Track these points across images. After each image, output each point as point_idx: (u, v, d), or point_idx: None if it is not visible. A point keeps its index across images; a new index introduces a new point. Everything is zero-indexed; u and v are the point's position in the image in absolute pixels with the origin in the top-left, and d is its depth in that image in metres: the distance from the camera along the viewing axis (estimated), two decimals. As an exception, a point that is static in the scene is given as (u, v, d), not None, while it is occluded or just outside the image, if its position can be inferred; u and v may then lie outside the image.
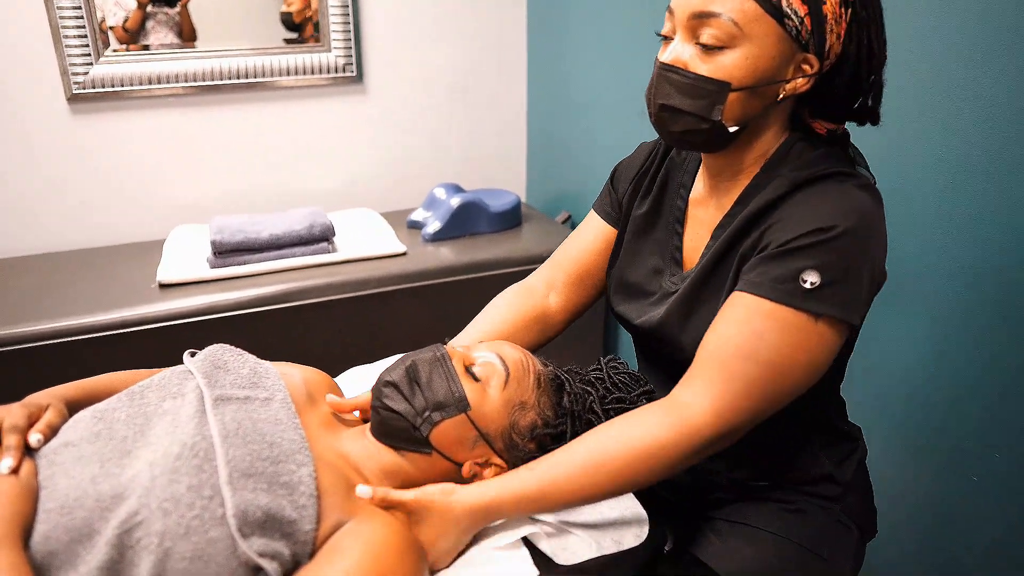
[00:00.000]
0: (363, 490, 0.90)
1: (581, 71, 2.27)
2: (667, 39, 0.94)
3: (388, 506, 0.91)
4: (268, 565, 0.76)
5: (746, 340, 0.88)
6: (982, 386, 1.26)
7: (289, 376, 1.02)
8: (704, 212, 1.05)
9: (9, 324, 1.70)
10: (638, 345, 1.17)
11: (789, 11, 0.86)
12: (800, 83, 0.91)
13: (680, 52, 0.91)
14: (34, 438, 0.84)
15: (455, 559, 0.94)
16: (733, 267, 0.95)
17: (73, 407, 0.92)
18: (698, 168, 1.08)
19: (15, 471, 0.79)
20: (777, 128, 0.97)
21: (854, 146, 0.99)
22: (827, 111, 0.96)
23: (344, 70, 2.33)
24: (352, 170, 2.46)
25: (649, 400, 1.05)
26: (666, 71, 0.92)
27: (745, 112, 0.91)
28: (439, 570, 0.93)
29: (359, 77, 2.35)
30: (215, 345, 1.01)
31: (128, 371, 1.03)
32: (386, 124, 2.45)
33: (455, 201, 2.21)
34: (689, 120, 0.92)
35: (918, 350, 1.36)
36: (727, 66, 0.88)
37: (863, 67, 0.91)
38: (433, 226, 2.20)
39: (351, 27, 2.29)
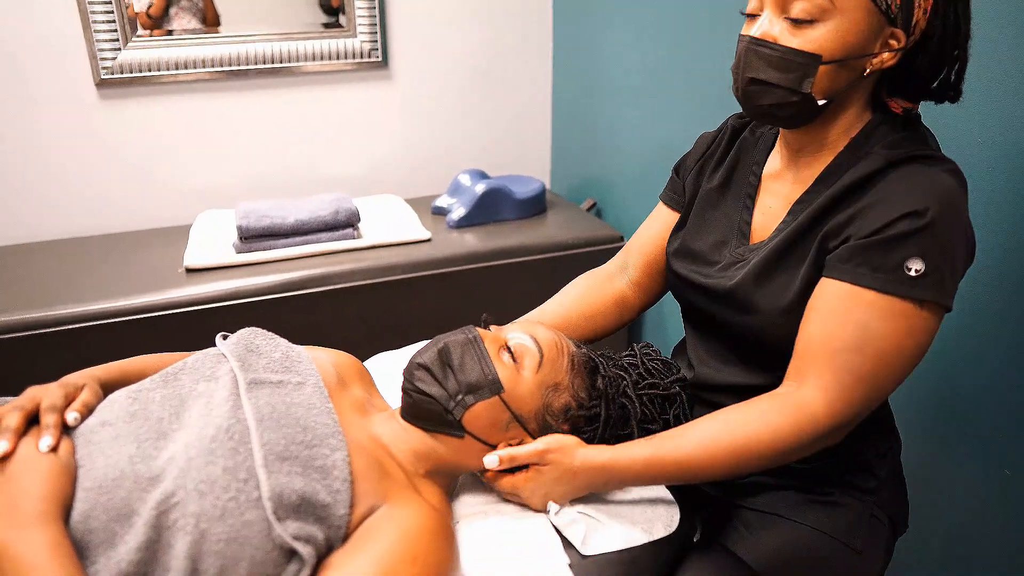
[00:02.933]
0: (491, 459, 0.95)
1: (607, 56, 2.24)
2: (751, 17, 0.95)
3: (516, 463, 0.96)
4: (303, 549, 0.76)
5: (852, 332, 0.89)
6: (1015, 377, 1.24)
7: (320, 360, 1.03)
8: (780, 186, 1.05)
9: (36, 308, 1.71)
10: (692, 311, 1.16)
11: None
12: (887, 58, 0.91)
13: (769, 26, 0.91)
14: (71, 416, 0.85)
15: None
16: (816, 243, 0.95)
17: (107, 388, 0.94)
18: (772, 146, 1.09)
19: (54, 449, 0.80)
20: (860, 104, 0.97)
21: (926, 127, 0.99)
22: (907, 88, 0.96)
23: (369, 55, 2.32)
24: (377, 156, 2.46)
25: (682, 387, 1.04)
26: (756, 45, 0.92)
27: (833, 85, 0.92)
28: (546, 508, 0.98)
29: (384, 62, 2.35)
30: (247, 329, 1.01)
31: (159, 354, 1.04)
32: (411, 110, 2.44)
33: (480, 188, 2.20)
34: (779, 93, 0.92)
35: (948, 339, 1.33)
36: (817, 39, 0.88)
37: (948, 42, 0.91)
38: (458, 212, 2.19)
39: (377, 12, 2.28)
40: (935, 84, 0.95)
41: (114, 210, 2.21)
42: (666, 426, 1.03)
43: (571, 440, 0.96)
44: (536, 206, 2.29)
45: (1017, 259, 1.20)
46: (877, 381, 0.90)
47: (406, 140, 2.47)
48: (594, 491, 1.00)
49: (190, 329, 1.79)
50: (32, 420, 0.84)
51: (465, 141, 2.54)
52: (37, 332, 1.69)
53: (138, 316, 1.76)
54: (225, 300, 1.82)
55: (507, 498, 1.00)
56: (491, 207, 2.21)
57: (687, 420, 1.05)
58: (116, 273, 1.90)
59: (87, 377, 0.92)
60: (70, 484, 0.78)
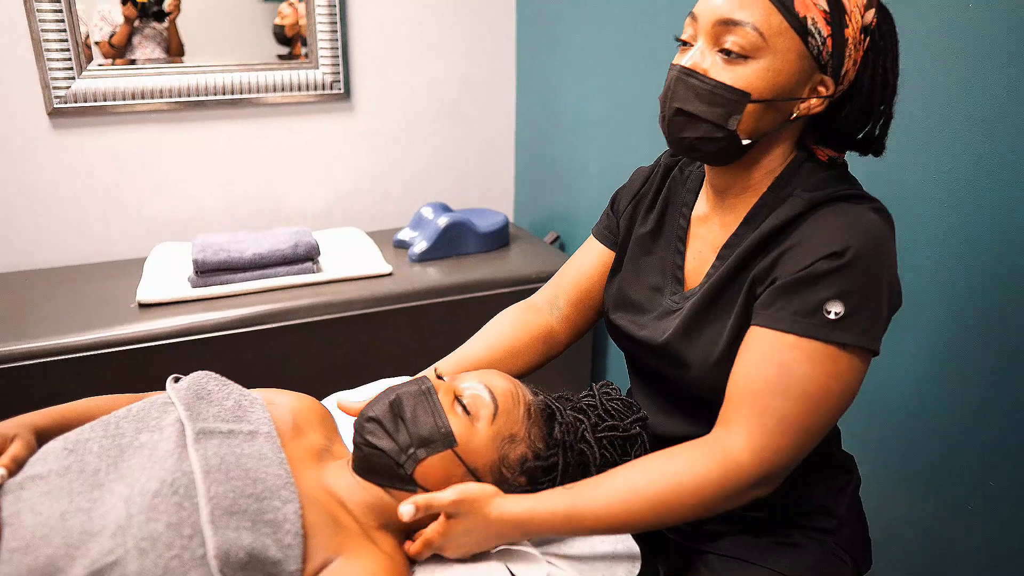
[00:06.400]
0: (406, 509, 0.88)
1: (570, 91, 2.26)
2: (686, 45, 0.94)
3: (431, 511, 0.91)
4: None
5: (776, 376, 0.87)
6: (975, 413, 1.25)
7: (276, 406, 0.99)
8: (707, 231, 1.04)
9: (-18, 344, 1.65)
10: (633, 362, 1.14)
11: (813, 29, 0.86)
12: (814, 104, 0.91)
13: (701, 58, 0.90)
14: None
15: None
16: (744, 288, 0.94)
17: (44, 436, 0.89)
18: (700, 186, 1.07)
19: None
20: (785, 148, 0.96)
21: (852, 175, 0.99)
22: (832, 138, 0.96)
23: (331, 87, 2.31)
24: (338, 188, 2.43)
25: (643, 427, 1.03)
26: (685, 75, 0.91)
27: (759, 126, 0.91)
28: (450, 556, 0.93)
29: (346, 94, 2.33)
30: (199, 372, 0.98)
31: (106, 396, 1.00)
32: (373, 142, 2.43)
33: (442, 221, 2.18)
34: (704, 127, 0.91)
35: (909, 376, 1.34)
36: (748, 76, 0.88)
37: (875, 96, 0.92)
38: (420, 246, 2.17)
39: (339, 44, 2.27)
40: (860, 136, 0.96)
41: (65, 243, 2.15)
42: None
43: (488, 490, 0.91)
44: (499, 239, 2.28)
45: (977, 294, 1.21)
46: (804, 426, 0.88)
47: (368, 173, 2.45)
48: (511, 543, 0.95)
49: (143, 366, 1.74)
50: None
51: (428, 174, 2.53)
52: (-20, 370, 1.63)
53: (88, 353, 1.70)
54: (180, 336, 1.77)
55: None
56: (454, 240, 2.19)
57: None
58: (65, 308, 1.83)
59: (20, 427, 0.87)
60: None
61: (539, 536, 0.94)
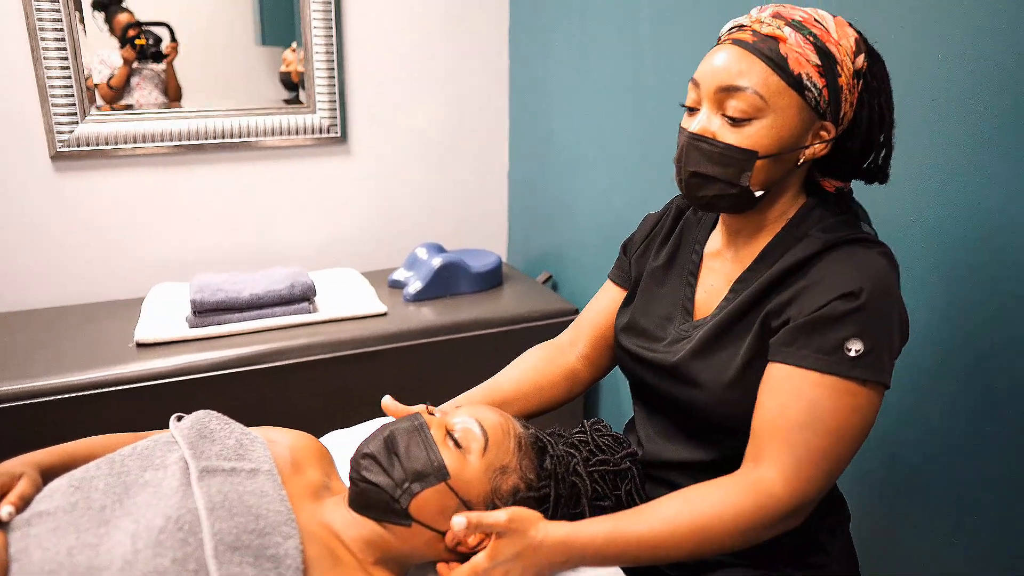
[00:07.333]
0: (458, 521, 0.89)
1: (562, 132, 2.31)
2: (691, 110, 0.99)
3: (482, 529, 0.91)
4: None
5: (803, 410, 0.92)
6: (957, 448, 1.27)
7: (276, 443, 1.01)
8: (721, 265, 1.09)
9: (-19, 384, 1.67)
10: (640, 387, 1.17)
11: (809, 84, 0.92)
12: (818, 148, 0.97)
13: (708, 122, 0.96)
14: (4, 511, 0.81)
15: None
16: (759, 319, 0.98)
17: (50, 474, 0.91)
18: (713, 225, 1.13)
19: None
20: (795, 188, 1.03)
21: (857, 202, 1.05)
22: (838, 170, 1.02)
23: (328, 131, 2.36)
24: (334, 229, 2.47)
25: (633, 463, 1.05)
26: (696, 141, 0.97)
27: (770, 177, 0.97)
28: None
29: (343, 138, 2.38)
30: (201, 412, 1.00)
31: (110, 435, 1.02)
32: (369, 184, 2.48)
33: (437, 261, 2.22)
34: (719, 186, 0.97)
35: (892, 413, 1.37)
36: (753, 135, 0.94)
37: (874, 130, 0.98)
38: (414, 286, 2.21)
39: (336, 88, 2.33)
40: (864, 166, 1.02)
41: (65, 283, 2.18)
42: (618, 502, 1.04)
43: (534, 513, 0.94)
44: (492, 279, 2.32)
45: (959, 328, 1.25)
46: (830, 457, 0.92)
47: (363, 214, 2.50)
48: (553, 570, 0.96)
49: (141, 405, 1.75)
50: None
51: (422, 215, 2.58)
52: (-21, 410, 1.64)
53: (86, 392, 1.72)
54: (177, 376, 1.79)
55: None
56: (448, 280, 2.23)
57: (639, 495, 1.06)
58: (64, 348, 1.86)
59: (26, 465, 0.89)
60: None
61: (582, 563, 0.95)
